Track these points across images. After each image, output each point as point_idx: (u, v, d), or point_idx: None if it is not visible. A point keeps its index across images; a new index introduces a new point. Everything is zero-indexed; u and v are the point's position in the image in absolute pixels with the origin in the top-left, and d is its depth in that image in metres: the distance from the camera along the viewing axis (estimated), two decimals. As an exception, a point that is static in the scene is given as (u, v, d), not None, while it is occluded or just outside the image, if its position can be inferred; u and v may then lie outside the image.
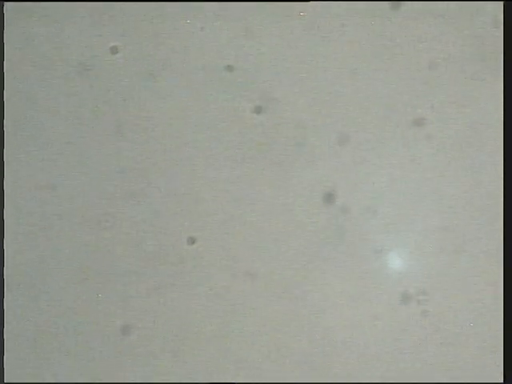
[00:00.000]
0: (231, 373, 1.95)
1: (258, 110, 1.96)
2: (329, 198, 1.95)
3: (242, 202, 1.95)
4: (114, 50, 1.95)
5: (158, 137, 1.96)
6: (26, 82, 1.95)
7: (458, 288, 1.95)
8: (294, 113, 1.96)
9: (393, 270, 1.95)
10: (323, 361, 1.95)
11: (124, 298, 1.94)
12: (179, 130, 1.96)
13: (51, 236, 1.94)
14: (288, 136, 1.96)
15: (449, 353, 1.95)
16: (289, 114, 1.96)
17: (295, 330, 1.95)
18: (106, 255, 1.94)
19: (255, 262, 1.95)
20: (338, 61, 1.96)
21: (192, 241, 1.95)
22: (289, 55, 1.96)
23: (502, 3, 1.95)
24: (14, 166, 1.94)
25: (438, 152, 1.96)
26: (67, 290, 1.94)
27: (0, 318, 1.86)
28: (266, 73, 1.96)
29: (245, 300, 1.95)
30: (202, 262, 1.95)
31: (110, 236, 1.94)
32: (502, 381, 1.94)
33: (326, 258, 1.95)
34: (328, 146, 1.96)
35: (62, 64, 1.95)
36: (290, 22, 1.96)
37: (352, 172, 1.96)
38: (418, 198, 1.96)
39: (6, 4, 1.93)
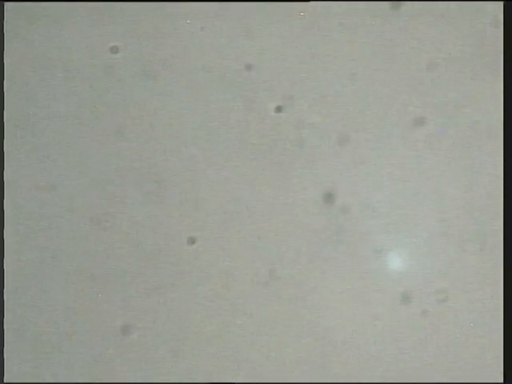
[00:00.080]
0: (231, 373, 1.95)
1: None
2: (329, 198, 1.95)
3: (242, 202, 1.95)
4: (113, 50, 1.95)
5: (158, 137, 1.96)
6: (26, 82, 1.95)
7: (457, 288, 1.95)
8: (293, 113, 1.96)
9: (393, 270, 1.95)
10: (323, 361, 1.95)
11: (124, 298, 1.94)
12: (179, 129, 1.96)
13: (51, 236, 1.94)
14: (288, 136, 1.96)
15: (449, 353, 1.95)
16: (289, 114, 1.96)
17: (295, 329, 1.95)
18: (106, 255, 1.94)
19: (255, 262, 1.95)
20: (337, 61, 1.96)
21: (192, 241, 1.95)
22: (289, 55, 1.96)
23: (501, 3, 1.95)
24: (14, 166, 1.94)
25: (438, 152, 1.96)
26: (67, 289, 1.94)
27: (0, 318, 1.86)
28: (265, 73, 1.96)
29: (245, 300, 1.95)
30: (201, 262, 1.95)
31: (110, 236, 1.94)
32: (502, 381, 1.94)
33: (326, 258, 1.95)
34: (328, 146, 1.96)
35: (61, 64, 1.95)
36: (289, 22, 1.96)
37: (352, 172, 1.96)
38: (418, 197, 1.96)
39: (6, 4, 1.93)
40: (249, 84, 1.96)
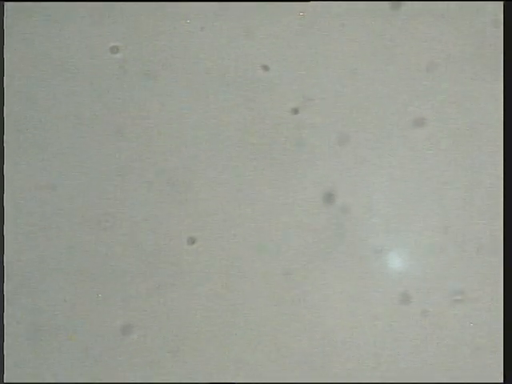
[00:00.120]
0: (231, 373, 1.95)
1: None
2: (329, 198, 1.95)
3: (242, 202, 1.95)
4: (114, 50, 1.95)
5: (158, 137, 1.96)
6: (26, 82, 1.95)
7: (457, 288, 1.95)
8: (293, 113, 1.96)
9: (393, 270, 1.95)
10: (323, 361, 1.95)
11: (124, 298, 1.94)
12: (179, 130, 1.96)
13: (51, 236, 1.94)
14: (288, 136, 1.96)
15: (449, 353, 1.95)
16: (289, 114, 1.96)
17: (295, 329, 1.95)
18: (106, 255, 1.94)
19: (255, 262, 1.95)
20: (338, 61, 1.96)
21: (192, 241, 1.95)
22: (288, 55, 1.96)
23: (501, 3, 1.95)
24: (13, 166, 1.94)
25: (438, 152, 1.96)
26: (67, 289, 1.94)
27: (0, 318, 1.86)
28: (265, 73, 1.96)
29: (245, 300, 1.95)
30: (201, 262, 1.95)
31: (110, 236, 1.94)
32: (502, 381, 1.94)
33: (326, 258, 1.95)
34: (328, 146, 1.96)
35: (61, 64, 1.95)
36: (290, 22, 1.96)
37: (352, 172, 1.96)
38: (418, 197, 1.96)
39: (6, 4, 1.93)
40: (249, 84, 1.96)
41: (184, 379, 1.95)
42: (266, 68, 1.96)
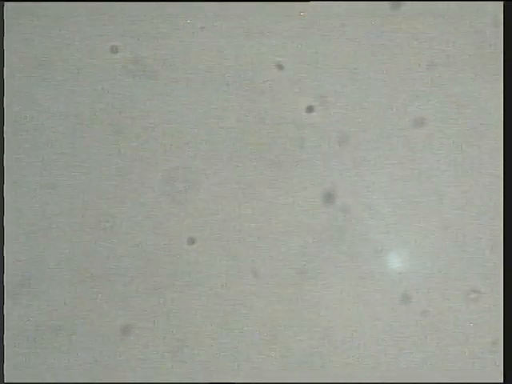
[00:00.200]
0: (231, 373, 1.95)
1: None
2: (329, 198, 1.95)
3: (242, 202, 1.95)
4: (114, 50, 1.95)
5: (158, 137, 1.96)
6: (26, 82, 1.95)
7: (457, 288, 1.95)
8: (293, 113, 1.96)
9: (393, 269, 1.95)
10: (323, 361, 1.95)
11: (124, 298, 1.94)
12: (178, 129, 1.96)
13: (51, 236, 1.94)
14: (288, 136, 1.96)
15: (449, 352, 1.95)
16: (289, 114, 1.96)
17: (295, 329, 1.95)
18: (106, 255, 1.94)
19: (255, 262, 1.95)
20: (338, 61, 1.96)
21: (192, 241, 1.95)
22: (288, 55, 1.96)
23: (501, 3, 1.95)
24: (14, 166, 1.94)
25: (438, 152, 1.96)
26: (67, 290, 1.94)
27: (0, 318, 1.86)
28: (265, 73, 1.96)
29: (245, 300, 1.95)
30: (201, 262, 1.95)
31: (110, 236, 1.94)
32: (502, 381, 1.94)
33: (326, 258, 1.95)
34: (328, 146, 1.96)
35: (62, 64, 1.95)
36: (290, 21, 1.96)
37: (352, 172, 1.96)
38: (418, 197, 1.96)
39: (6, 4, 1.93)
40: (249, 84, 1.96)
41: (184, 379, 1.95)
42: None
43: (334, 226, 1.95)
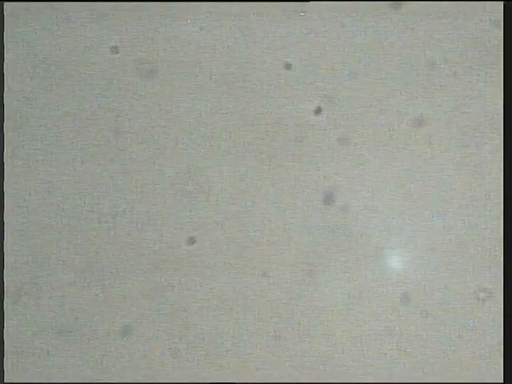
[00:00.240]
0: (231, 373, 1.95)
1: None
2: (329, 198, 1.95)
3: (242, 202, 1.95)
4: (113, 50, 1.95)
5: (158, 137, 1.96)
6: (26, 82, 1.95)
7: (457, 288, 1.95)
8: (293, 113, 1.96)
9: (393, 269, 1.95)
10: (323, 361, 1.95)
11: (124, 298, 1.94)
12: (178, 129, 1.96)
13: (51, 236, 1.94)
14: (288, 136, 1.96)
15: (449, 353, 1.95)
16: (289, 114, 1.96)
17: (295, 329, 1.95)
18: (106, 255, 1.94)
19: (255, 262, 1.95)
20: (337, 61, 1.96)
21: (192, 241, 1.95)
22: (288, 55, 1.96)
23: (501, 3, 1.95)
24: (14, 166, 1.94)
25: (438, 152, 1.96)
26: (67, 289, 1.94)
27: (0, 317, 1.86)
28: (265, 73, 1.96)
29: (245, 300, 1.95)
30: (202, 262, 1.95)
31: (110, 236, 1.94)
32: (502, 381, 1.94)
33: (326, 258, 1.95)
34: (328, 146, 1.96)
35: (62, 64, 1.95)
36: (290, 21, 1.96)
37: (352, 172, 1.96)
38: (418, 197, 1.96)
39: (6, 4, 1.93)
40: (248, 85, 1.96)
41: (184, 379, 1.95)
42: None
43: (333, 226, 1.95)
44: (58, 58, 1.95)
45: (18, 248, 1.94)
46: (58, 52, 1.95)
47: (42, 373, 1.94)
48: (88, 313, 1.94)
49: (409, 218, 1.96)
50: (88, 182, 1.95)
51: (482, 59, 1.96)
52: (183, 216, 1.95)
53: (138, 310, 1.94)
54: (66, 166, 1.95)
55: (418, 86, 1.96)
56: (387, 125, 1.96)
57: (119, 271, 1.94)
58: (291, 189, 1.96)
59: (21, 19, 1.95)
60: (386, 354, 1.95)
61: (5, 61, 1.93)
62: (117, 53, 1.95)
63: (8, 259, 1.93)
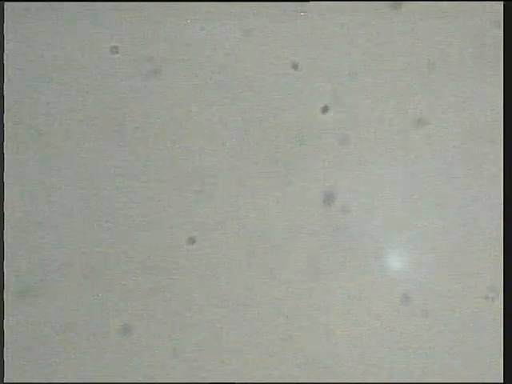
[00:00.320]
0: (231, 373, 1.95)
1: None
2: (329, 198, 1.95)
3: (243, 203, 1.95)
4: (113, 50, 1.95)
5: (158, 137, 1.96)
6: (26, 81, 1.95)
7: (457, 288, 1.95)
8: (293, 113, 1.96)
9: (393, 269, 1.95)
10: (323, 361, 1.95)
11: (124, 298, 1.94)
12: (178, 130, 1.96)
13: (51, 236, 1.94)
14: (288, 136, 1.96)
15: (449, 353, 1.95)
16: (289, 113, 1.96)
17: (295, 329, 1.95)
18: (106, 255, 1.94)
19: (255, 262, 1.95)
20: (337, 61, 1.96)
21: (192, 241, 1.95)
22: (288, 55, 1.96)
23: (501, 3, 1.95)
24: (14, 166, 1.94)
25: (438, 152, 1.96)
26: (67, 289, 1.94)
27: (0, 317, 1.86)
28: (264, 73, 1.96)
29: (245, 300, 1.95)
30: (202, 262, 1.95)
31: (110, 236, 1.94)
32: (502, 381, 1.94)
33: (326, 258, 1.95)
34: (328, 146, 1.96)
35: (62, 64, 1.95)
36: (289, 21, 1.96)
37: (352, 172, 1.96)
38: (418, 198, 1.96)
39: (6, 4, 1.93)
40: (248, 84, 1.96)
41: (184, 379, 1.95)
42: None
43: (333, 225, 1.95)
44: (58, 58, 1.95)
45: (18, 248, 1.94)
46: (58, 52, 1.95)
47: (42, 373, 1.94)
48: (88, 312, 1.94)
49: (409, 218, 1.96)
50: (88, 182, 1.95)
51: (482, 59, 1.96)
52: (183, 216, 1.95)
53: (138, 310, 1.94)
54: (66, 165, 1.95)
55: (417, 86, 1.96)
56: (387, 125, 1.96)
57: (119, 271, 1.94)
58: (291, 189, 1.96)
59: (21, 19, 1.95)
60: (385, 354, 1.95)
61: (5, 61, 1.93)
62: (117, 53, 1.95)
63: (8, 259, 1.93)
